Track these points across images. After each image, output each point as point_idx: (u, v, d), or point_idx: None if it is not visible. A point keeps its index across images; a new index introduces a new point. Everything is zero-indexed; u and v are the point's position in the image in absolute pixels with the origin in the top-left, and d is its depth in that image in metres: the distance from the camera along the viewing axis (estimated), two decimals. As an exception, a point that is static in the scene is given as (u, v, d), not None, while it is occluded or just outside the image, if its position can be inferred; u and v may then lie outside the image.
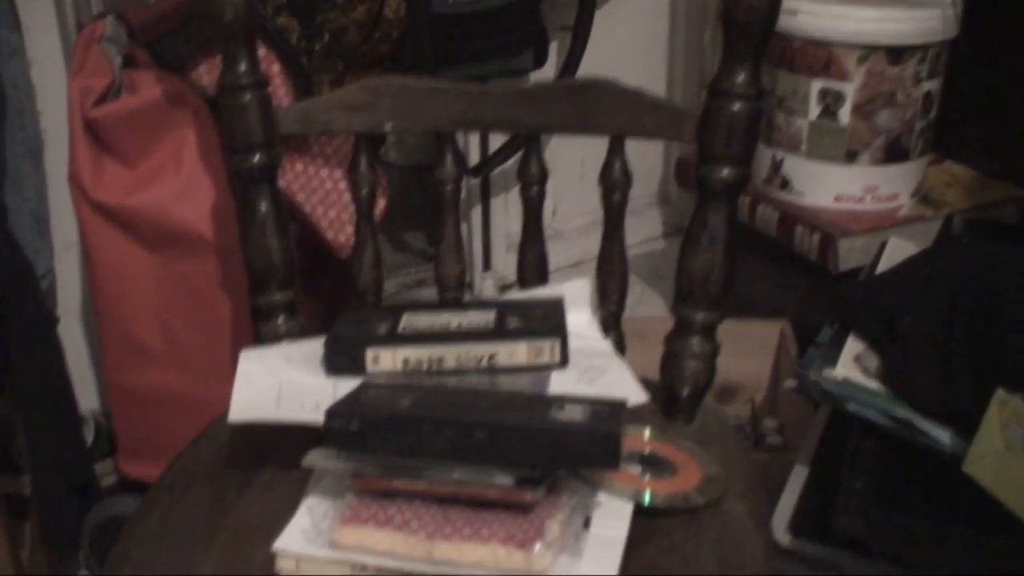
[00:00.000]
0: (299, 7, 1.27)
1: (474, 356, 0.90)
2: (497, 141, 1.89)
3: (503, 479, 0.73)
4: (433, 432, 0.75)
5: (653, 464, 0.85)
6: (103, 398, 1.60)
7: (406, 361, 0.90)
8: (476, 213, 2.02)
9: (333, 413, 0.77)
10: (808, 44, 1.64)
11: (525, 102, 0.98)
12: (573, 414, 0.76)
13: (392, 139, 2.01)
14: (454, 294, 1.06)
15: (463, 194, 1.77)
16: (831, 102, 1.64)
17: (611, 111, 0.95)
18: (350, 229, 1.31)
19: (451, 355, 0.90)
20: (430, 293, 1.99)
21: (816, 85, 1.64)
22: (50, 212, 1.47)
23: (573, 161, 2.07)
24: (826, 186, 1.69)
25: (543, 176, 1.03)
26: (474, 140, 1.91)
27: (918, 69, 1.62)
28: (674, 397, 0.94)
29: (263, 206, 0.99)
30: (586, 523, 0.76)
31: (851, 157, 1.67)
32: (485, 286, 2.06)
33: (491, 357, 0.90)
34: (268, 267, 1.00)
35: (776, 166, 1.73)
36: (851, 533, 1.06)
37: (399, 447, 0.76)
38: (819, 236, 1.64)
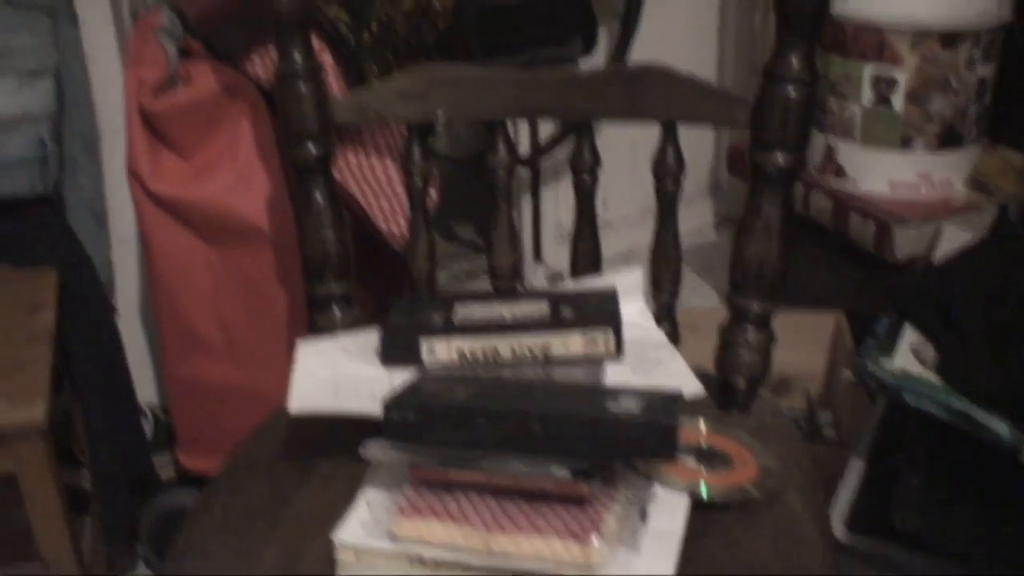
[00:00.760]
0: (349, -2, 1.28)
1: (528, 347, 0.90)
2: (546, 133, 1.89)
3: (559, 471, 0.73)
4: (489, 424, 0.75)
5: (709, 457, 0.84)
6: (162, 392, 1.62)
7: (461, 352, 0.90)
8: (527, 205, 2.02)
9: (391, 405, 0.78)
10: (861, 29, 1.61)
11: (579, 89, 0.97)
12: (628, 405, 0.76)
13: (441, 130, 2.01)
14: (507, 284, 1.06)
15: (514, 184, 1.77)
16: (884, 88, 1.61)
17: (665, 97, 0.94)
18: (403, 220, 1.31)
19: (505, 346, 0.90)
20: (480, 285, 1.99)
21: (869, 70, 1.62)
22: (107, 206, 1.49)
23: (623, 151, 2.05)
24: (880, 173, 1.67)
25: (596, 164, 1.03)
26: (524, 130, 1.91)
27: (972, 54, 1.59)
28: (729, 388, 0.93)
29: (319, 196, 1.00)
30: (643, 516, 0.76)
31: (905, 143, 1.64)
32: (536, 277, 2.05)
33: (546, 348, 0.90)
34: (324, 257, 1.01)
35: (829, 153, 1.71)
36: (910, 528, 1.05)
37: (456, 439, 0.76)
38: (875, 224, 1.62)
